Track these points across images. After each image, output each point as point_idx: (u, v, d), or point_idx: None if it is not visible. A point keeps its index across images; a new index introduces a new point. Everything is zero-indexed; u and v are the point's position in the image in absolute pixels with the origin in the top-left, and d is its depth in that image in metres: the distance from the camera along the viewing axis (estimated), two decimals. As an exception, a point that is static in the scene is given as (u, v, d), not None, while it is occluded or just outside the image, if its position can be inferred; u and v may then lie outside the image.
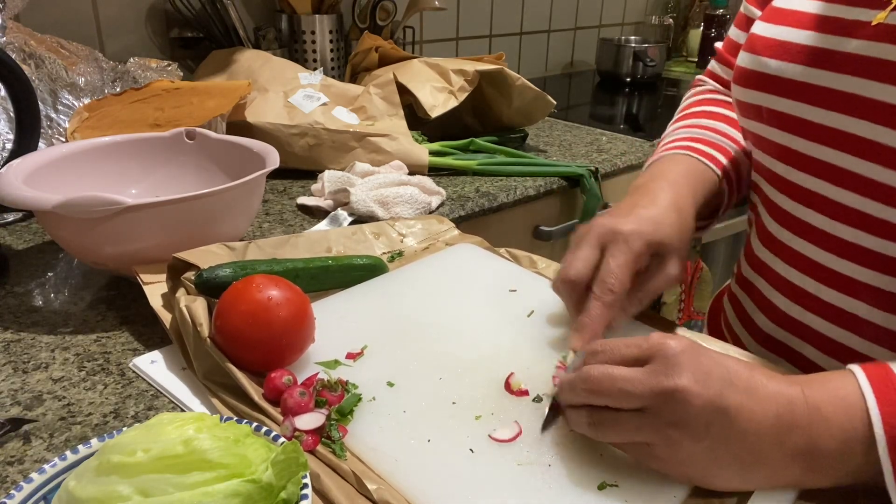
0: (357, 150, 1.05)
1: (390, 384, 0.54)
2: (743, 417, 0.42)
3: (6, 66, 0.74)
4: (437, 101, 1.13)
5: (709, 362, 0.43)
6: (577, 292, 0.57)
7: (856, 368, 0.44)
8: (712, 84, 0.82)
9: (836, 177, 0.56)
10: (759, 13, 0.70)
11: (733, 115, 0.74)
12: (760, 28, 0.62)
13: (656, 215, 0.59)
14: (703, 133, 0.72)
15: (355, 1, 1.46)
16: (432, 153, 1.08)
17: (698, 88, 0.83)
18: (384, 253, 0.77)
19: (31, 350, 0.62)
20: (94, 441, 0.43)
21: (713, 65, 0.82)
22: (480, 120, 1.29)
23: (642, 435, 0.43)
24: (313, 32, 1.33)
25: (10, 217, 0.89)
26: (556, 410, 0.49)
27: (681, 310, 1.70)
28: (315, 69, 1.21)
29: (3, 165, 0.73)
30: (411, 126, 1.11)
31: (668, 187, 0.63)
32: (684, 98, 0.83)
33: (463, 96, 1.15)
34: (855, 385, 0.43)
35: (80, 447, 0.42)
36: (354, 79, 1.29)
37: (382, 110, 1.11)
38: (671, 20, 2.29)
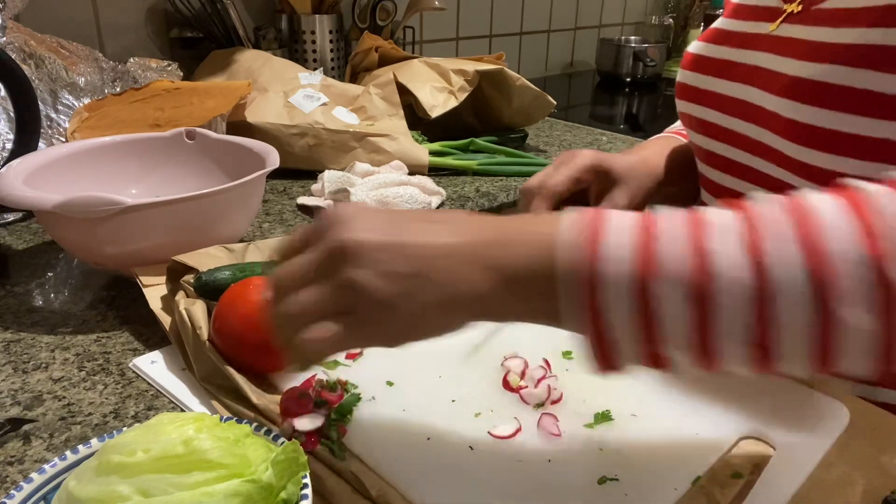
0: (357, 150, 1.05)
1: (389, 383, 0.54)
2: (414, 242, 0.38)
3: (6, 66, 0.74)
4: (437, 101, 1.13)
5: (369, 210, 0.40)
6: (527, 198, 0.65)
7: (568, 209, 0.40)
8: None
9: (743, 174, 0.62)
10: None
11: None
12: (692, 46, 0.69)
13: (618, 154, 0.67)
14: None
15: (355, 1, 1.46)
16: (432, 153, 1.08)
17: None
18: (384, 253, 0.77)
19: (31, 350, 0.62)
20: (94, 441, 0.43)
21: None
22: (480, 120, 1.29)
23: (331, 300, 0.38)
24: (313, 32, 1.33)
25: (10, 217, 0.89)
26: None
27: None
28: (315, 69, 1.21)
29: (3, 165, 0.73)
30: (411, 126, 1.11)
31: (641, 151, 0.71)
32: None
33: (463, 96, 1.15)
34: (559, 215, 0.39)
35: (80, 447, 0.42)
36: (354, 79, 1.29)
37: (382, 110, 1.11)
38: (671, 20, 2.29)
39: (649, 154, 0.70)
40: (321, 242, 0.39)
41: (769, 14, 0.61)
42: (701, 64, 0.66)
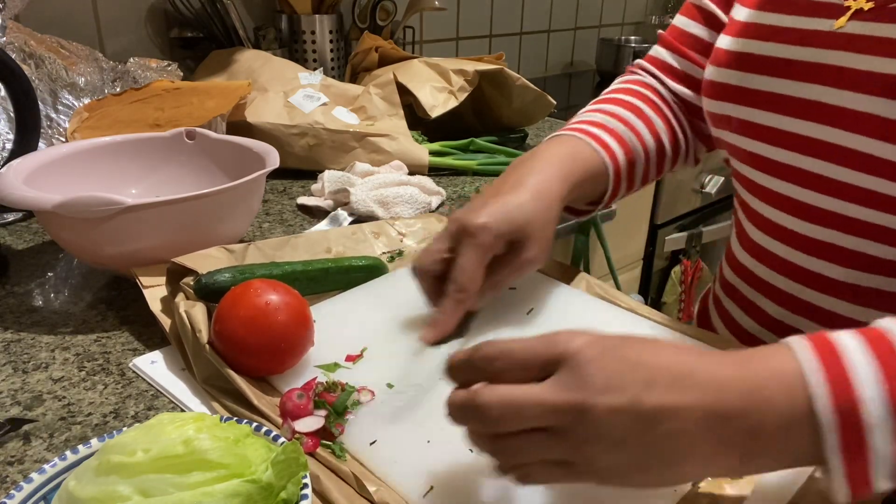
0: (357, 150, 1.05)
1: (390, 385, 0.54)
2: (667, 417, 0.37)
3: (6, 66, 0.74)
4: (437, 101, 1.13)
5: (623, 365, 0.38)
6: (427, 282, 0.58)
7: (795, 341, 0.39)
8: (641, 73, 0.79)
9: (806, 180, 0.58)
10: (711, 6, 0.71)
11: (644, 106, 0.72)
12: (725, 42, 0.64)
13: (513, 204, 0.58)
14: (602, 118, 0.70)
15: (355, 1, 1.46)
16: (432, 153, 1.08)
17: (625, 77, 0.80)
18: (384, 253, 0.77)
19: (31, 350, 0.62)
20: (94, 441, 0.43)
21: (657, 50, 0.79)
22: (480, 120, 1.29)
23: (555, 454, 0.39)
24: (313, 32, 1.33)
25: (10, 217, 0.89)
26: None
27: (681, 310, 1.70)
28: (315, 69, 1.21)
29: (3, 165, 0.73)
30: (411, 126, 1.11)
31: (538, 169, 0.62)
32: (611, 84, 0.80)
33: (463, 96, 1.15)
34: (794, 359, 0.38)
35: (80, 447, 0.42)
36: (354, 79, 1.29)
37: (382, 110, 1.11)
38: (671, 20, 2.30)
39: (542, 179, 0.60)
40: (558, 390, 0.38)
41: (823, 9, 0.56)
42: (745, 61, 0.61)
